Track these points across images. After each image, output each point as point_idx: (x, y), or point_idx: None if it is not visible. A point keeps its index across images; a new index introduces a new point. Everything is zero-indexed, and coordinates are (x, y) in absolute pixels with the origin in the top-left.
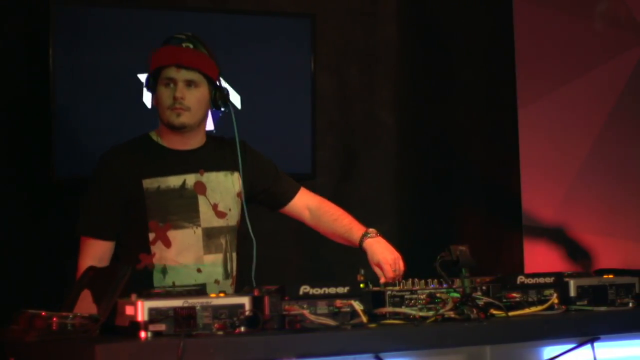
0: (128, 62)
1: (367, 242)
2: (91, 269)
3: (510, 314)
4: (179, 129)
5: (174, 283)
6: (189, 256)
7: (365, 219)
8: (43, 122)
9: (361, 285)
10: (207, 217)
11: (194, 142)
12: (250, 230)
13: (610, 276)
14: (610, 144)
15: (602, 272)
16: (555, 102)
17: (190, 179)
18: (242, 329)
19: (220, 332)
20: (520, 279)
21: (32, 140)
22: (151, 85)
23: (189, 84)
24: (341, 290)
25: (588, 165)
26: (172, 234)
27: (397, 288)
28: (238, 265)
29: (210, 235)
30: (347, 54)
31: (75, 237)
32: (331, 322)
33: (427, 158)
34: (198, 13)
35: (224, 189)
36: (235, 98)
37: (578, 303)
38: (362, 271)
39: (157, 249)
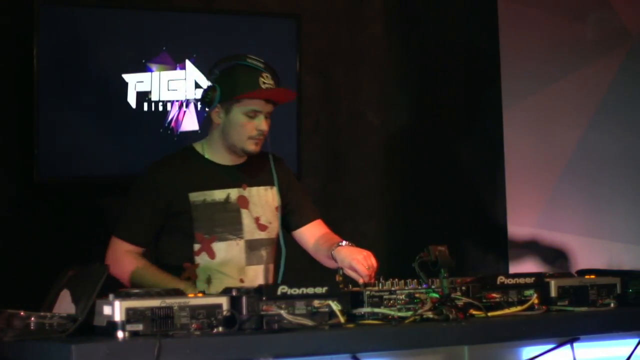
0: (112, 62)
1: (336, 251)
2: (71, 268)
3: (490, 314)
4: (249, 155)
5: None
6: (232, 267)
7: (351, 219)
8: (26, 122)
9: (340, 286)
10: (250, 230)
11: (240, 159)
12: (282, 240)
13: (592, 277)
14: (594, 144)
15: (584, 272)
16: (540, 103)
17: (234, 193)
18: (220, 329)
19: (198, 332)
20: (500, 279)
21: (15, 141)
22: (224, 107)
23: (268, 115)
24: (319, 290)
25: (572, 165)
26: (217, 246)
27: (375, 288)
28: (273, 275)
29: (252, 247)
30: (333, 54)
31: (105, 234)
32: (308, 322)
33: (413, 158)
34: (184, 13)
35: (264, 203)
36: None
37: (559, 303)
38: (341, 271)
39: (201, 259)
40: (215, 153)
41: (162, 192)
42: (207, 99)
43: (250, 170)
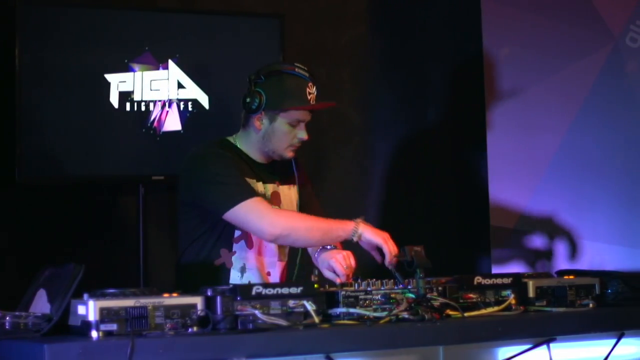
0: (95, 62)
1: (318, 253)
2: (47, 268)
3: (466, 314)
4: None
5: (249, 282)
6: (265, 259)
7: (334, 218)
8: (7, 122)
9: (315, 286)
10: None
11: (270, 159)
12: None
13: (571, 277)
14: (577, 145)
15: (563, 272)
16: (523, 102)
17: (269, 189)
18: (195, 329)
19: (172, 332)
20: (477, 279)
21: None
22: (268, 114)
23: (307, 123)
24: (294, 290)
25: (555, 165)
26: (255, 236)
27: (351, 289)
28: (287, 272)
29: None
30: (316, 54)
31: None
32: (282, 322)
33: (396, 157)
34: (166, 13)
35: (289, 201)
36: (203, 98)
37: (537, 304)
38: (317, 271)
39: (239, 248)
40: (250, 150)
41: (238, 164)
42: (253, 105)
43: (279, 169)
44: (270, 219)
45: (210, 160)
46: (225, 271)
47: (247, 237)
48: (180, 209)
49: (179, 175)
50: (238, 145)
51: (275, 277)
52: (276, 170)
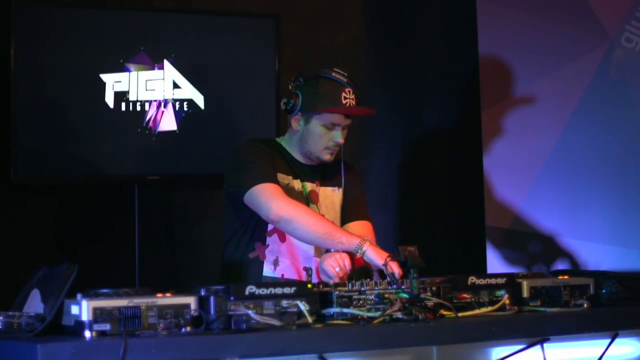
0: (90, 62)
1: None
2: (41, 268)
3: (460, 314)
4: (323, 162)
5: (283, 275)
6: (299, 254)
7: None
8: (3, 122)
9: (308, 286)
10: None
11: (315, 162)
12: None
13: (565, 277)
14: (571, 146)
15: (558, 272)
16: (518, 104)
17: (308, 187)
18: (188, 328)
19: (165, 332)
20: (471, 279)
21: None
22: (304, 116)
23: (346, 127)
24: (288, 290)
25: (550, 166)
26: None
27: (345, 289)
28: None
29: None
30: (312, 54)
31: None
32: (276, 322)
33: (391, 158)
34: (162, 13)
35: (330, 203)
36: (199, 98)
37: (531, 304)
38: (310, 271)
39: (272, 241)
40: (292, 151)
41: (270, 156)
42: (289, 106)
43: (323, 172)
44: (278, 201)
45: (243, 150)
46: (258, 264)
47: (280, 230)
48: (225, 202)
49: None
50: (283, 145)
51: (312, 273)
52: (321, 172)
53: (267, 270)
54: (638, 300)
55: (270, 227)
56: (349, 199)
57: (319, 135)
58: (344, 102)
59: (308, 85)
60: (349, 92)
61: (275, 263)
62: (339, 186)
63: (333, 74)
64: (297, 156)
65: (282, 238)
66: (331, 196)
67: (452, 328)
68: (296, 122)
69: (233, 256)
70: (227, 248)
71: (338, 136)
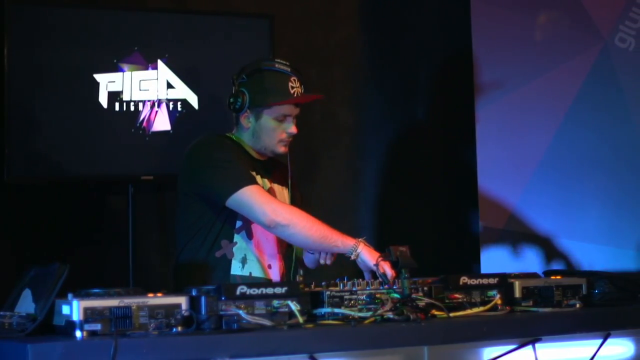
0: (84, 62)
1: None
2: (33, 268)
3: (452, 314)
4: (278, 156)
5: (250, 274)
6: (265, 251)
7: (324, 219)
8: None
9: (300, 286)
10: None
11: (264, 156)
12: None
13: (558, 277)
14: (565, 146)
15: (550, 272)
16: (513, 102)
17: (266, 184)
18: (179, 328)
19: (156, 332)
20: (463, 279)
21: None
22: (254, 112)
23: (295, 117)
24: (279, 290)
25: (545, 166)
26: (255, 227)
27: (336, 288)
28: (285, 269)
29: (279, 238)
30: (307, 55)
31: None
32: (267, 322)
33: (386, 157)
34: (157, 13)
35: (283, 201)
36: (192, 98)
37: (523, 304)
38: (301, 272)
39: (240, 239)
40: (248, 148)
41: (241, 154)
42: (237, 105)
43: (272, 169)
44: (274, 206)
45: (213, 147)
46: (226, 262)
47: (248, 228)
48: (181, 203)
49: (180, 169)
50: (238, 141)
51: (275, 271)
52: (269, 168)
53: (236, 269)
54: (630, 300)
55: (239, 223)
56: (295, 203)
57: (272, 129)
58: (292, 92)
59: (252, 80)
60: (295, 80)
61: (244, 261)
62: (286, 185)
63: (276, 65)
64: (251, 152)
65: (250, 235)
66: (282, 194)
67: (444, 328)
68: (246, 120)
69: (194, 257)
70: (186, 250)
71: (291, 127)
